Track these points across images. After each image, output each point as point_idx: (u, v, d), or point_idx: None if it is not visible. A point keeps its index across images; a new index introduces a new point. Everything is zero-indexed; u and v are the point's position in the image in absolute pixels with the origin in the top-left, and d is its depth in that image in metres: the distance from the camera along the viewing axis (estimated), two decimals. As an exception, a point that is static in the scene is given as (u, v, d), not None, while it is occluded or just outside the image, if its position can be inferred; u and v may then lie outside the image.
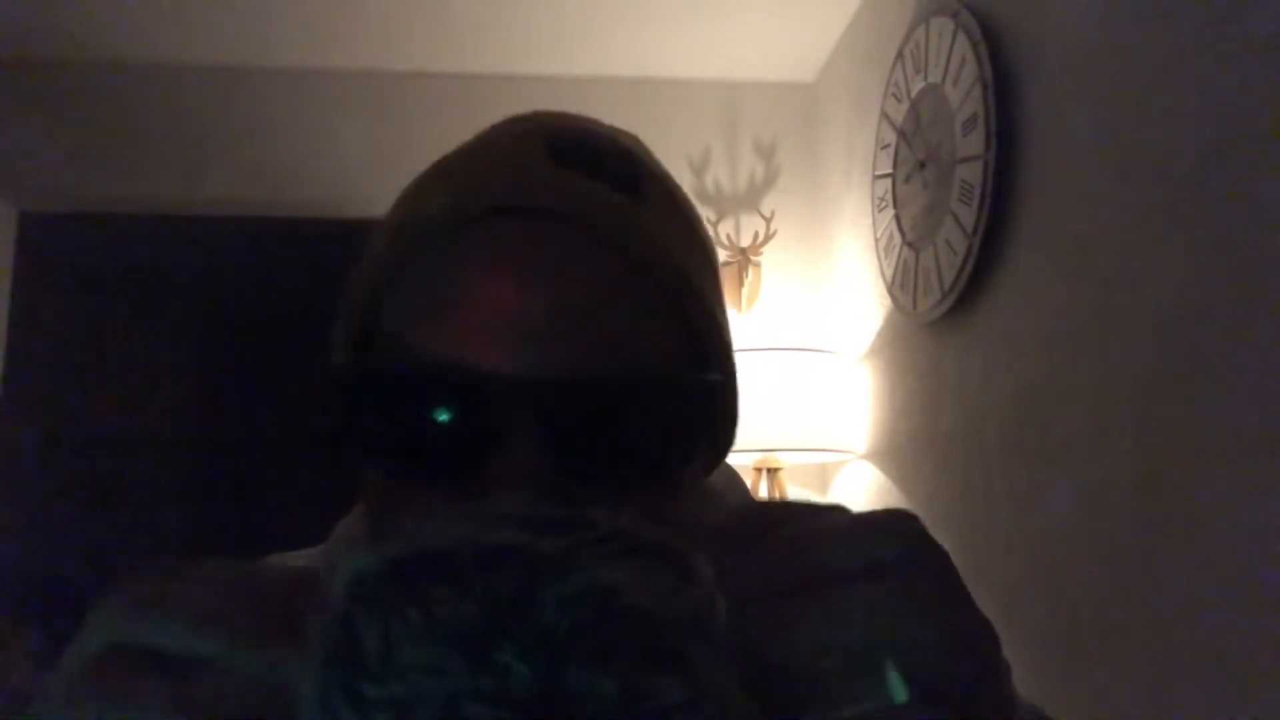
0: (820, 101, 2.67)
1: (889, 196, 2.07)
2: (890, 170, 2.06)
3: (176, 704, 0.28)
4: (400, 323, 0.44)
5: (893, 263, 2.03)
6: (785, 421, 2.16)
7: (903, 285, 1.98)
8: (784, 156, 2.69)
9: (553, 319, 0.42)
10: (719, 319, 0.48)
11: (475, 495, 0.40)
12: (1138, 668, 1.26)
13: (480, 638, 0.26)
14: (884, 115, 2.11)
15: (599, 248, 0.44)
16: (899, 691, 0.30)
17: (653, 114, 2.59)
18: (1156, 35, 1.25)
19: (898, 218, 2.02)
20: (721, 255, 2.48)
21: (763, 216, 2.55)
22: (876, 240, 2.13)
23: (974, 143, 1.68)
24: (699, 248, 0.49)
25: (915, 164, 1.94)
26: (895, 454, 2.10)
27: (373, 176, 2.56)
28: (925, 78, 1.91)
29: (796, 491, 2.45)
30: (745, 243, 2.54)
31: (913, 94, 1.96)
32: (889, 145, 2.07)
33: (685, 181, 2.57)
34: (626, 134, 0.51)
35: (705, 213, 2.59)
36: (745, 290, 2.50)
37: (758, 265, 2.52)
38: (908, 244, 1.96)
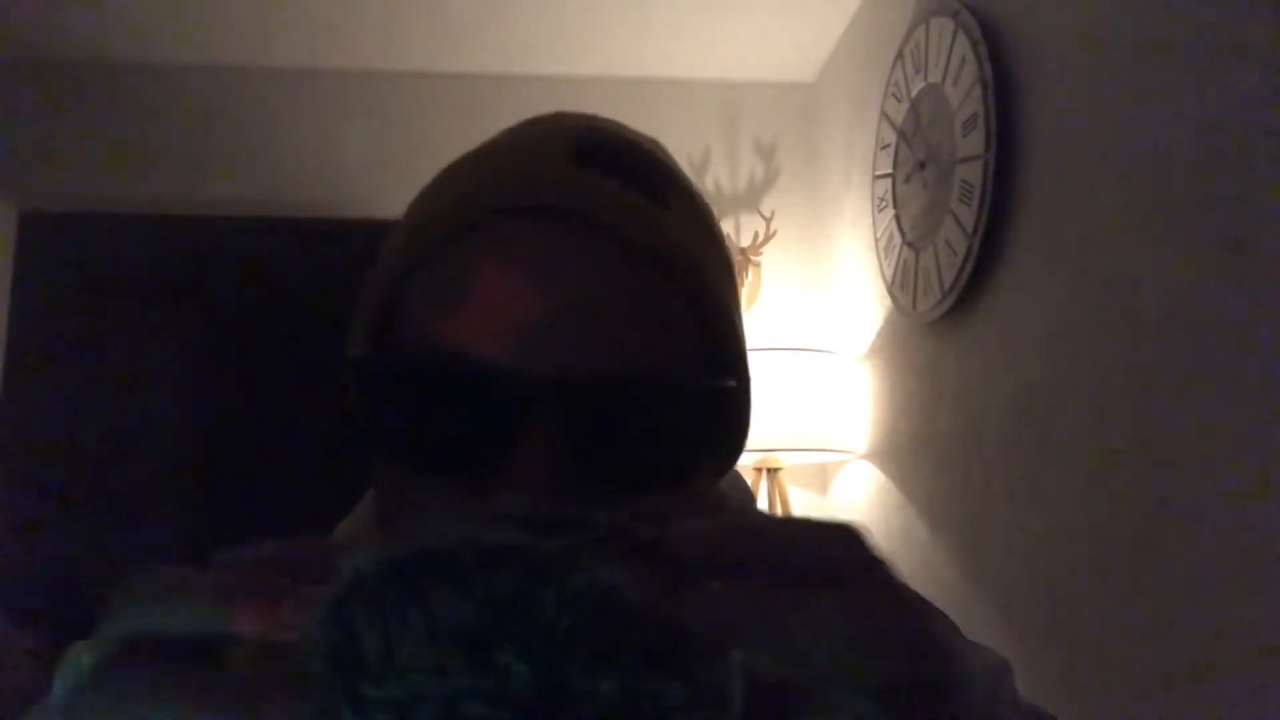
0: (820, 101, 2.67)
1: (889, 196, 2.07)
2: (890, 170, 2.06)
3: (199, 691, 0.28)
4: (420, 317, 0.44)
5: (893, 263, 2.03)
6: (785, 421, 2.16)
7: (903, 285, 1.98)
8: (784, 156, 2.69)
9: (573, 318, 0.42)
10: (736, 325, 0.48)
11: (489, 491, 0.40)
12: (1138, 667, 1.26)
13: (480, 638, 0.26)
14: (884, 115, 2.11)
15: (621, 250, 0.44)
16: (851, 702, 0.29)
17: (653, 114, 2.59)
18: (1156, 35, 1.25)
19: (898, 218, 2.02)
20: (722, 255, 2.48)
21: (763, 216, 2.55)
22: (876, 240, 2.13)
23: (974, 143, 1.68)
24: (718, 254, 0.49)
25: (915, 164, 1.94)
26: (895, 454, 2.10)
27: (373, 176, 2.57)
28: (925, 78, 1.91)
29: (796, 492, 2.45)
30: (745, 243, 2.54)
31: (913, 94, 1.96)
32: (889, 145, 2.08)
33: (685, 181, 2.58)
34: (649, 138, 0.51)
35: (705, 213, 2.58)
36: (745, 290, 2.50)
37: (758, 265, 2.52)
38: (908, 244, 1.96)
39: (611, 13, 2.40)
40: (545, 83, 2.62)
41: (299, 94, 2.61)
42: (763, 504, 2.11)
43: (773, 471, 2.29)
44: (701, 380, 0.46)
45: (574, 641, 0.26)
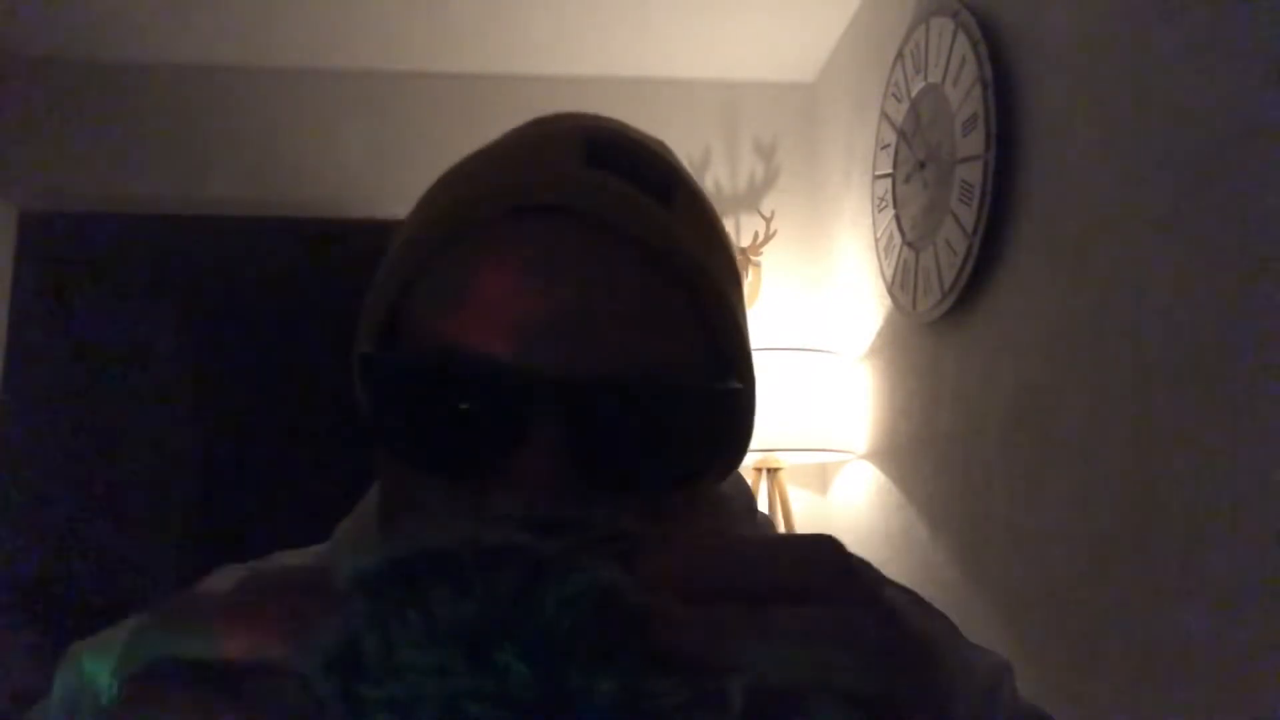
0: (820, 101, 2.67)
1: (889, 196, 2.07)
2: (890, 170, 2.06)
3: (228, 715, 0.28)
4: (428, 315, 0.44)
5: (893, 263, 2.03)
6: (785, 421, 2.16)
7: (903, 285, 1.98)
8: (784, 156, 2.69)
9: (581, 318, 0.42)
10: (742, 328, 0.48)
11: (494, 489, 0.40)
12: (1138, 667, 1.26)
13: (480, 638, 0.26)
14: (884, 115, 2.11)
15: (629, 250, 0.43)
16: (844, 713, 0.29)
17: (653, 114, 2.59)
18: (1157, 35, 1.25)
19: (898, 218, 2.02)
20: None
21: (763, 216, 2.55)
22: (876, 240, 2.13)
23: (974, 143, 1.68)
24: (725, 256, 0.49)
25: (915, 164, 1.94)
26: (895, 454, 2.10)
27: (373, 176, 2.57)
28: (925, 78, 1.91)
29: (796, 492, 2.45)
30: (745, 243, 2.54)
31: (913, 94, 1.96)
32: (889, 145, 2.08)
33: (685, 181, 2.58)
34: (655, 139, 0.51)
35: (705, 213, 2.58)
36: (745, 290, 2.50)
37: (758, 265, 2.52)
38: (908, 244, 1.96)
39: (611, 13, 2.40)
40: (545, 83, 2.62)
41: (299, 94, 2.61)
42: (763, 504, 2.11)
43: (773, 471, 2.29)
44: (706, 382, 0.45)
45: (574, 641, 0.26)
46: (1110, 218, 1.35)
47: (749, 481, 0.58)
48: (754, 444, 0.51)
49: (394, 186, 2.50)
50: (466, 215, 0.44)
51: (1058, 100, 1.49)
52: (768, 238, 2.51)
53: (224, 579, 0.46)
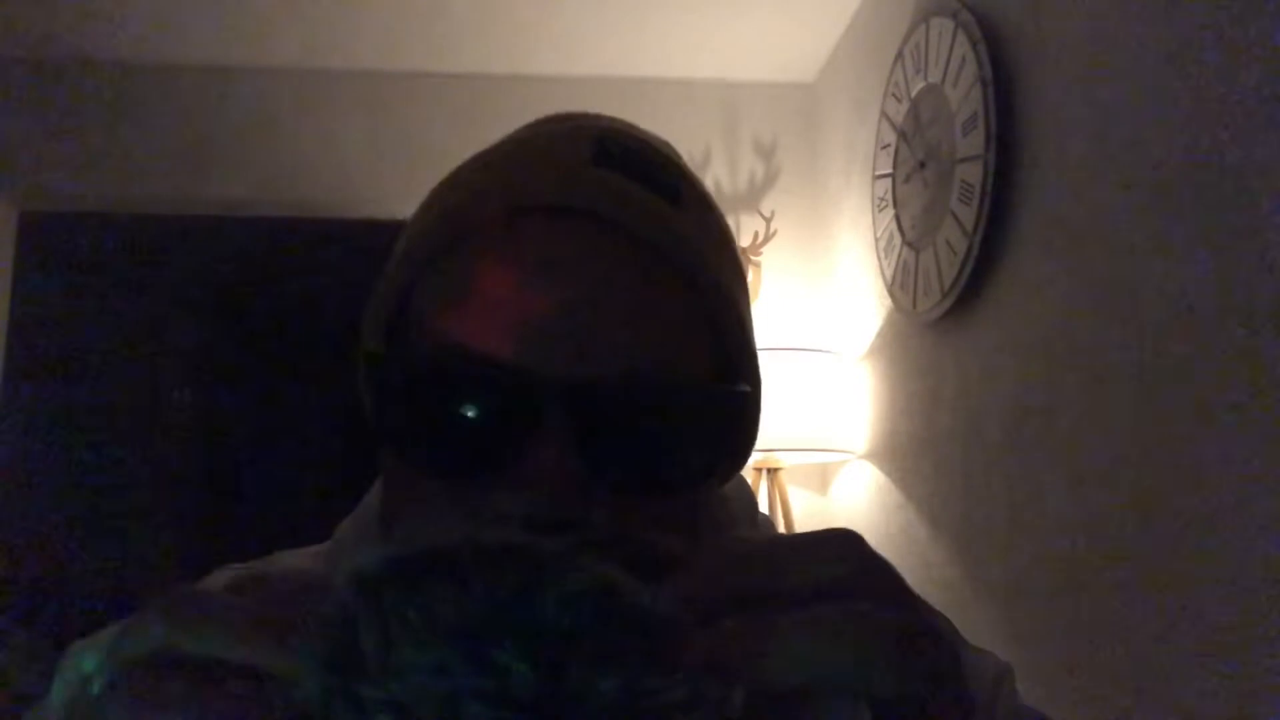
0: (820, 101, 2.67)
1: (889, 196, 2.07)
2: (890, 170, 2.06)
3: (220, 711, 0.28)
4: (435, 314, 0.44)
5: (893, 263, 2.03)
6: (785, 421, 2.16)
7: (903, 285, 1.98)
8: (784, 156, 2.69)
9: (589, 319, 0.41)
10: (749, 329, 0.48)
11: (498, 490, 0.40)
12: (1138, 667, 1.26)
13: (480, 638, 0.26)
14: (884, 115, 2.11)
15: (640, 252, 0.43)
16: (853, 712, 0.30)
17: (653, 114, 2.58)
18: (1156, 35, 1.25)
19: (898, 218, 2.02)
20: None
21: (763, 216, 2.55)
22: (876, 240, 2.13)
23: (974, 143, 1.68)
24: (732, 258, 0.49)
25: (915, 164, 1.94)
26: (895, 454, 2.10)
27: (373, 176, 2.57)
28: (925, 78, 1.91)
29: (796, 492, 2.45)
30: (745, 243, 2.54)
31: (913, 94, 1.96)
32: (889, 145, 2.08)
33: (685, 181, 2.58)
34: (662, 140, 0.51)
35: (705, 213, 2.58)
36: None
37: (758, 265, 2.52)
38: (908, 244, 1.96)
39: (611, 13, 2.40)
40: (545, 83, 2.62)
41: (299, 94, 2.61)
42: (763, 504, 2.11)
43: (773, 471, 2.29)
44: (713, 384, 0.45)
45: (574, 641, 0.26)
46: (1110, 217, 1.35)
47: (749, 481, 0.58)
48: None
49: (394, 186, 2.50)
50: (473, 215, 0.44)
51: (1058, 100, 1.49)
52: (768, 238, 2.52)
53: (223, 579, 0.46)
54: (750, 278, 2.51)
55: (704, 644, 0.28)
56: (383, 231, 0.50)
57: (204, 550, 3.82)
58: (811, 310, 2.58)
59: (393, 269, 0.47)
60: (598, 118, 0.50)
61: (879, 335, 2.20)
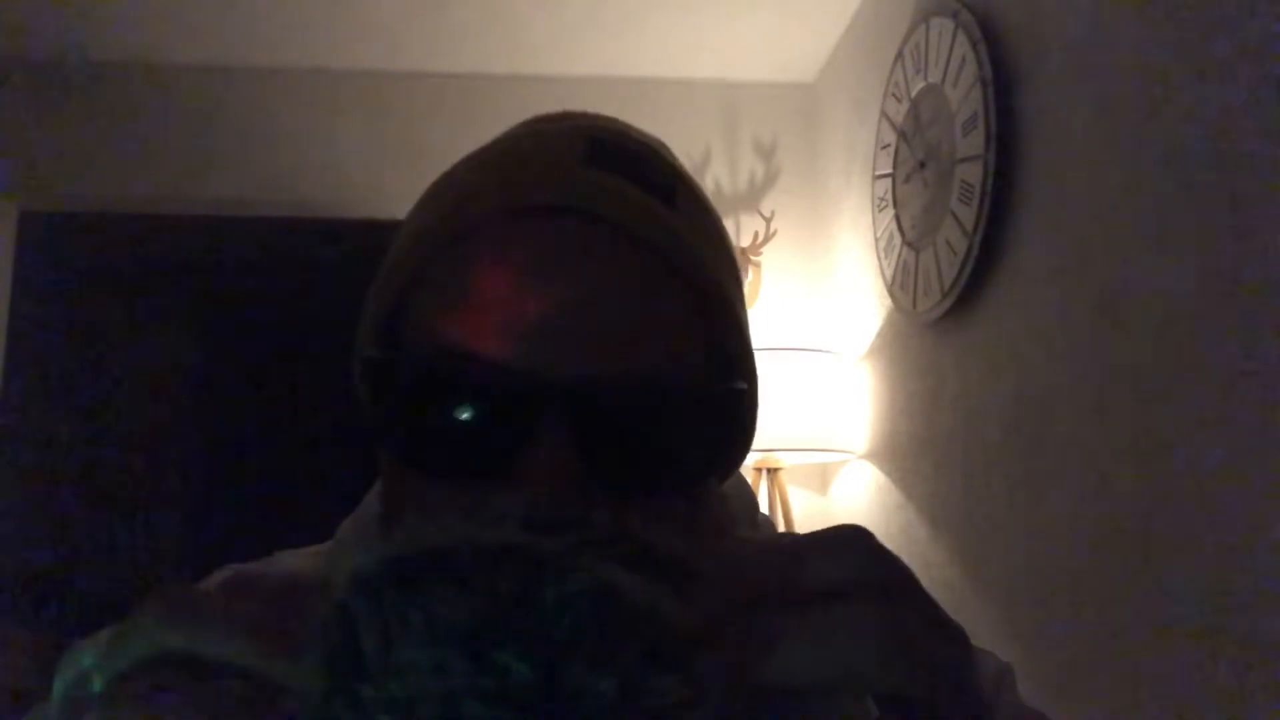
0: (820, 101, 2.67)
1: (889, 196, 2.07)
2: (890, 170, 2.06)
3: (217, 714, 0.28)
4: (431, 317, 0.44)
5: (893, 263, 2.03)
6: (785, 421, 2.16)
7: (903, 285, 1.98)
8: (784, 156, 2.69)
9: (585, 319, 0.41)
10: (744, 327, 0.48)
11: (499, 492, 0.40)
12: (1139, 667, 1.26)
13: (480, 638, 0.26)
14: (884, 115, 2.11)
15: (635, 251, 0.43)
16: (869, 711, 0.30)
17: (653, 114, 2.59)
18: (1157, 35, 1.25)
19: (898, 218, 2.02)
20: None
21: (763, 216, 2.55)
22: (876, 240, 2.13)
23: (974, 143, 1.68)
24: (727, 257, 0.49)
25: (915, 164, 1.94)
26: (895, 454, 2.10)
27: (373, 176, 2.57)
28: (925, 78, 1.91)
29: (796, 492, 2.45)
30: (745, 243, 2.54)
31: (913, 94, 1.96)
32: (889, 145, 2.08)
33: (685, 181, 2.57)
34: (655, 139, 0.51)
35: (705, 213, 2.58)
36: (745, 290, 2.50)
37: (758, 265, 2.52)
38: (908, 244, 1.96)
39: (611, 13, 2.40)
40: (545, 83, 2.62)
41: (299, 94, 2.61)
42: (763, 504, 2.11)
43: (773, 471, 2.29)
44: (710, 382, 0.45)
45: (574, 641, 0.26)
46: (1110, 217, 1.35)
47: (749, 481, 0.58)
48: (754, 444, 0.51)
49: (394, 186, 2.50)
50: (467, 216, 0.44)
51: (1058, 100, 1.49)
52: (768, 238, 2.51)
53: (223, 579, 0.46)
54: (750, 278, 2.51)
55: (708, 644, 0.28)
56: (383, 231, 0.50)
57: (206, 549, 3.82)
58: (811, 310, 2.58)
59: (388, 271, 0.47)
60: (592, 117, 0.50)
61: (879, 335, 2.20)
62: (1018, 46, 1.61)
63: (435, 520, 0.30)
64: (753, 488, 0.60)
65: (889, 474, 2.13)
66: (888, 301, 2.09)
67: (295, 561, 0.54)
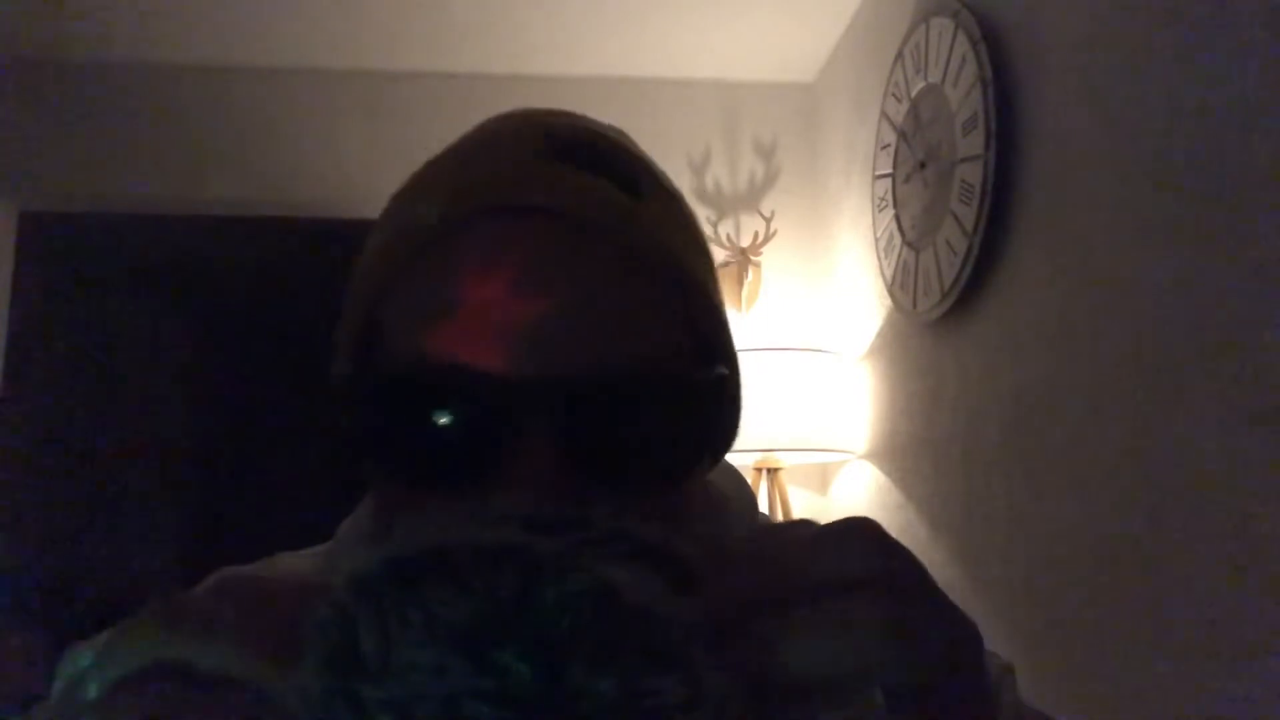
0: (820, 101, 2.67)
1: (889, 196, 2.07)
2: (890, 170, 2.06)
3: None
4: (404, 327, 0.43)
5: (893, 263, 2.03)
6: (785, 421, 2.15)
7: (903, 285, 1.98)
8: (784, 156, 2.69)
9: (558, 319, 0.41)
10: (720, 311, 0.48)
11: (485, 498, 0.40)
12: (1139, 668, 1.26)
13: (480, 638, 0.26)
14: (884, 115, 2.11)
15: (601, 245, 0.43)
16: (876, 702, 0.30)
17: (653, 114, 2.59)
18: (1156, 34, 1.25)
19: (898, 218, 2.02)
20: (721, 255, 2.48)
21: (763, 216, 2.55)
22: (876, 240, 2.13)
23: (974, 143, 1.68)
24: (697, 244, 0.49)
25: (915, 164, 1.94)
26: (895, 454, 2.10)
27: (373, 176, 2.56)
28: (925, 78, 1.91)
29: (796, 492, 2.45)
30: (745, 243, 2.53)
31: (913, 94, 1.96)
32: (889, 145, 2.08)
33: (685, 182, 2.57)
34: (615, 128, 0.50)
35: (705, 213, 2.59)
36: (745, 290, 2.50)
37: (758, 265, 2.51)
38: (908, 244, 1.96)
39: (611, 13, 2.40)
40: (545, 83, 2.62)
41: (299, 94, 2.61)
42: (763, 504, 2.11)
43: (773, 471, 2.29)
44: (694, 372, 0.45)
45: (574, 641, 0.26)
46: (1110, 218, 1.35)
47: (749, 481, 0.57)
48: (754, 444, 0.51)
49: (394, 187, 2.48)
50: (432, 224, 0.44)
51: (1058, 100, 1.49)
52: (768, 238, 2.51)
53: (223, 581, 0.46)
54: (750, 278, 2.50)
55: (710, 643, 0.28)
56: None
57: (206, 551, 3.81)
58: (811, 310, 2.58)
59: (357, 283, 0.46)
60: (545, 112, 0.50)
61: (879, 335, 2.20)
62: (1018, 46, 1.61)
63: (434, 521, 0.30)
64: (753, 488, 0.60)
65: (889, 474, 2.13)
66: (888, 301, 2.09)
67: (295, 562, 0.54)
